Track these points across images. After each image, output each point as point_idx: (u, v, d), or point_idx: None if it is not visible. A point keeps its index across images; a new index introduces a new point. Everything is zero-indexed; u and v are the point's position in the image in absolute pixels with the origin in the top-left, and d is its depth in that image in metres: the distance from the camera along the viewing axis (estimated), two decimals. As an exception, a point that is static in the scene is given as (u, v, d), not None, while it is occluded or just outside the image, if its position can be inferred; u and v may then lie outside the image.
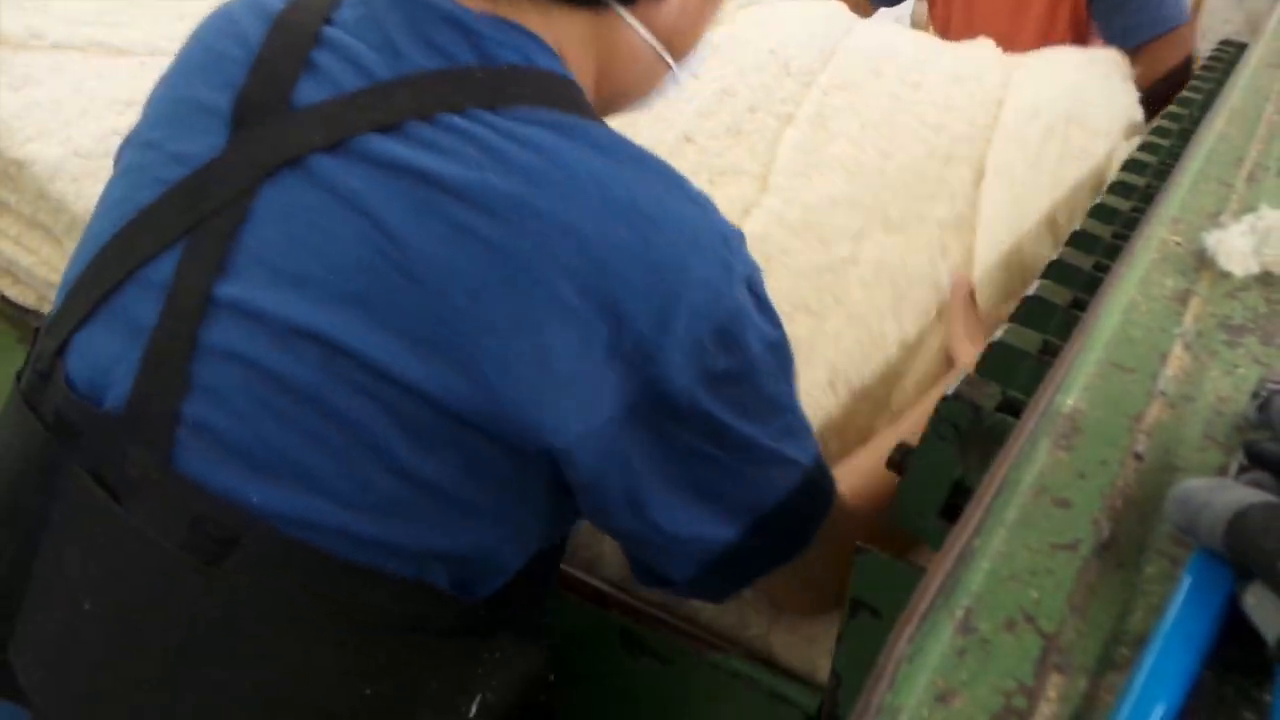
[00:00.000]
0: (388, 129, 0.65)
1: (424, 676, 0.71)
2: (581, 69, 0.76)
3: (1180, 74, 2.03)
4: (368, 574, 0.66)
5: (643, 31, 0.79)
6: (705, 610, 0.95)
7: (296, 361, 0.63)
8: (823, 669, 0.89)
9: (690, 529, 0.70)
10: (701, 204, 0.70)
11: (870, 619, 0.74)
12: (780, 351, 0.72)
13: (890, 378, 1.08)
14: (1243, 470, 0.49)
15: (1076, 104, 1.45)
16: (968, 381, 0.70)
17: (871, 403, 1.05)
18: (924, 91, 1.54)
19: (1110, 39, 2.14)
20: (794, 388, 0.74)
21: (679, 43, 0.83)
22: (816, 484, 0.76)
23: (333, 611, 0.66)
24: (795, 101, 1.47)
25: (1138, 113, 1.50)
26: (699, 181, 1.18)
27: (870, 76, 1.56)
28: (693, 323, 0.64)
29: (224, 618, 0.64)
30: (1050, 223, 1.28)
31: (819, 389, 0.98)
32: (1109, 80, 1.53)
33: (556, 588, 0.90)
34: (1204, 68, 1.62)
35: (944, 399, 0.68)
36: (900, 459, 0.73)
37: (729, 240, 0.69)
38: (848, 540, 0.73)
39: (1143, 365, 0.61)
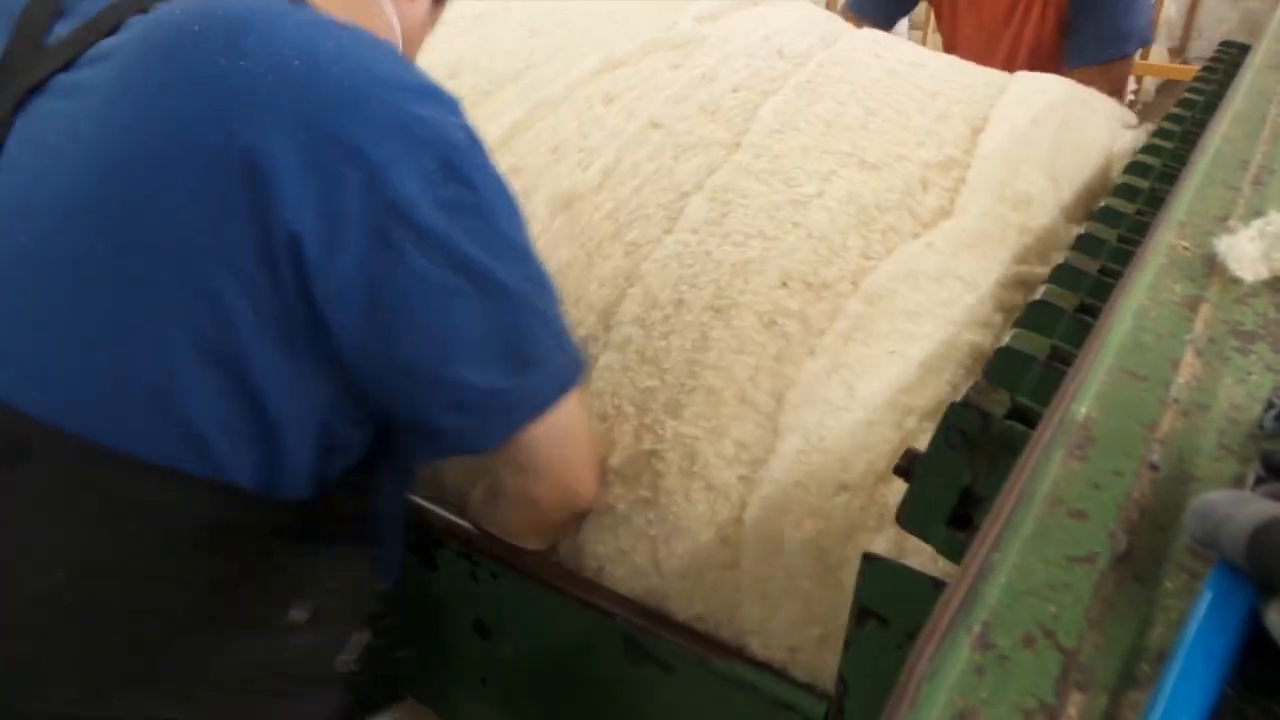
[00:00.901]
0: (114, 30, 0.73)
1: (241, 580, 0.74)
2: None
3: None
4: (165, 472, 0.68)
5: (394, 21, 0.91)
6: (708, 618, 0.95)
7: (51, 265, 0.69)
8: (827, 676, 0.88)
9: (444, 368, 0.75)
10: (414, 69, 0.79)
11: (878, 626, 0.74)
12: (513, 204, 0.80)
13: (855, 277, 1.07)
14: (1260, 481, 0.48)
15: (1078, 92, 1.48)
16: (976, 388, 0.70)
17: (833, 296, 1.05)
18: (924, 70, 1.54)
19: (1077, 52, 2.16)
20: (535, 256, 0.82)
21: (413, 39, 0.96)
22: (567, 346, 0.83)
23: (135, 512, 0.68)
24: (784, 78, 1.46)
25: (1130, 115, 1.51)
26: (660, 160, 1.25)
27: (869, 57, 1.56)
28: (419, 151, 0.71)
29: (24, 520, 0.67)
30: (1050, 167, 1.28)
31: (770, 289, 1.01)
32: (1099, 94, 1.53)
33: (400, 516, 0.96)
34: (1205, 69, 1.61)
35: (952, 405, 0.67)
36: (907, 465, 0.73)
37: (440, 92, 0.78)
38: (583, 466, 0.87)
39: (1155, 372, 0.61)
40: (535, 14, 1.82)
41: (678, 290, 1.05)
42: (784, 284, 1.06)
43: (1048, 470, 0.52)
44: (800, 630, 0.85)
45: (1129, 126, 1.43)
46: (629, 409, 0.96)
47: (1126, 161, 1.25)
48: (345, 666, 0.81)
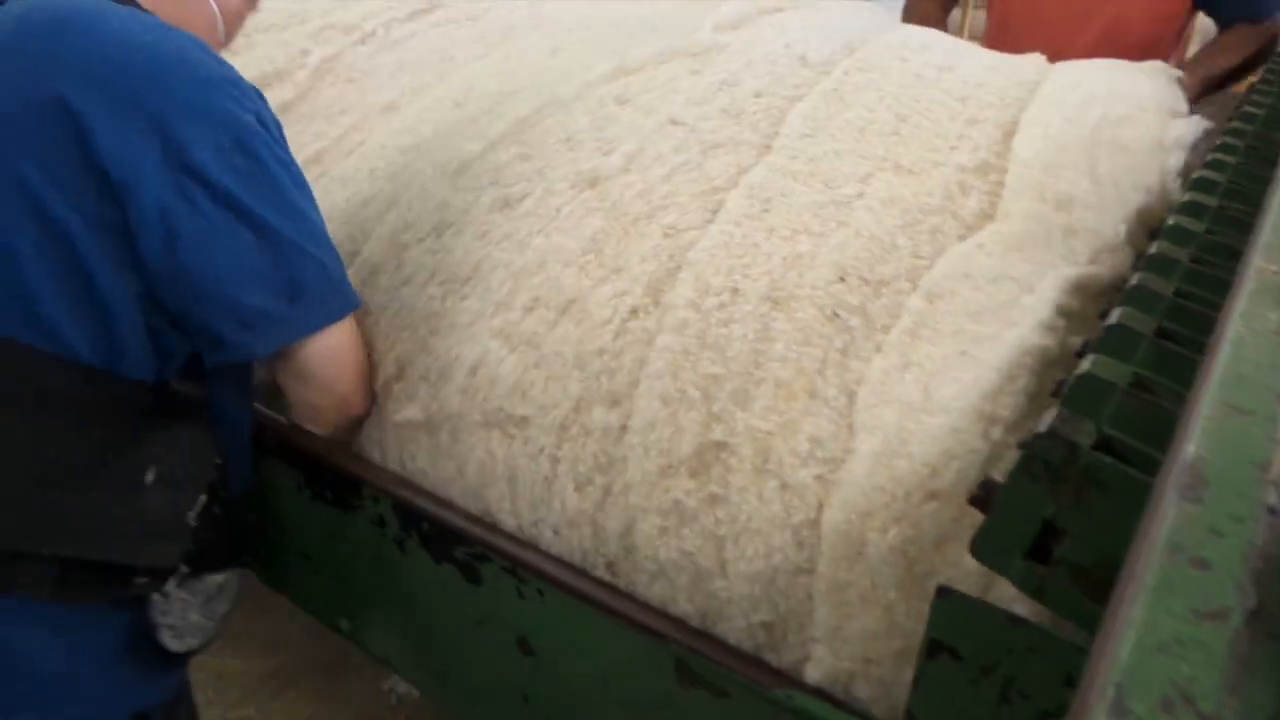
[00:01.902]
0: None
1: (100, 448, 0.95)
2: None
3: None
4: (11, 345, 0.91)
5: (216, 12, 1.12)
6: (776, 625, 0.92)
7: None
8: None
9: (227, 290, 0.97)
10: (213, 55, 1.00)
11: (950, 661, 0.71)
12: (296, 178, 1.03)
13: (910, 275, 1.07)
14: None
15: (1118, 82, 1.47)
16: (1061, 418, 0.68)
17: (892, 293, 1.05)
18: (954, 74, 1.55)
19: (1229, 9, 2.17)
20: (315, 219, 1.03)
21: (233, 23, 1.17)
22: (338, 287, 1.05)
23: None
24: (810, 85, 1.48)
25: (1181, 103, 1.49)
26: (687, 155, 1.26)
27: (895, 62, 1.57)
28: (214, 130, 0.95)
29: None
30: (1091, 171, 1.27)
31: (828, 283, 1.03)
32: (1151, 74, 1.54)
33: (243, 418, 1.15)
34: (1263, 81, 1.59)
35: (1036, 435, 0.66)
36: (985, 494, 0.72)
37: (240, 83, 1.00)
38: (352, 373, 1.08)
39: (1260, 407, 0.58)
40: (559, 32, 1.86)
41: (730, 279, 1.04)
42: (841, 279, 1.04)
43: (1163, 514, 0.51)
44: (879, 641, 0.82)
45: (1179, 115, 1.41)
46: (694, 393, 0.93)
47: (1180, 157, 1.23)
48: (193, 521, 1.01)
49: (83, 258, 0.94)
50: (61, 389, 0.95)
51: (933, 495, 0.83)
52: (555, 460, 0.98)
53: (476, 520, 1.07)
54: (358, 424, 1.18)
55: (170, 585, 1.02)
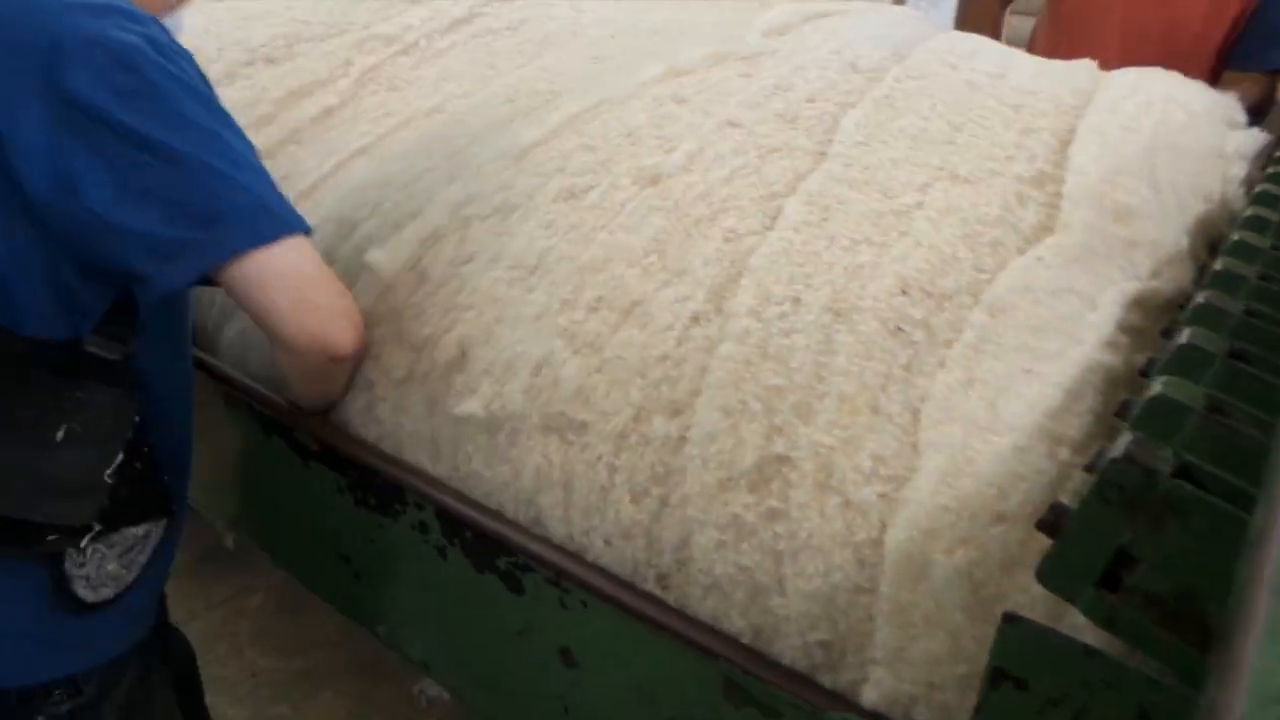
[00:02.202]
0: None
1: (13, 404, 0.94)
2: None
3: None
4: None
5: None
6: (834, 644, 0.90)
7: None
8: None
9: (134, 223, 0.92)
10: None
11: (1015, 691, 0.70)
12: (191, 90, 0.95)
13: (972, 289, 1.06)
14: None
15: (1175, 90, 1.45)
16: (1137, 443, 0.66)
17: (955, 307, 1.03)
18: (1006, 81, 1.54)
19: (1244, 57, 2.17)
20: (223, 133, 0.97)
21: None
22: (264, 207, 0.97)
23: None
24: (861, 92, 1.48)
25: (1238, 114, 1.48)
26: (746, 158, 1.26)
27: (945, 69, 1.56)
28: (88, 50, 0.89)
29: None
30: (1150, 179, 1.25)
31: (890, 295, 1.02)
32: (1204, 88, 1.51)
33: (181, 372, 1.14)
34: None
35: (1112, 461, 0.64)
36: (1054, 520, 0.70)
37: (130, 11, 0.94)
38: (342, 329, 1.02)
39: None
40: (600, 39, 1.87)
41: (792, 288, 1.03)
42: (903, 291, 1.03)
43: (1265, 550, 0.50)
44: (943, 665, 0.80)
45: (1236, 126, 1.39)
46: (755, 405, 0.92)
47: (1242, 167, 1.21)
48: (109, 480, 0.99)
49: None
50: None
51: (1000, 517, 0.81)
52: (613, 469, 0.97)
53: (520, 529, 1.06)
54: (346, 378, 1.16)
55: (87, 543, 1.00)
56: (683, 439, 0.94)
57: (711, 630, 0.94)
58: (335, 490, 1.28)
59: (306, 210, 1.38)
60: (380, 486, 1.21)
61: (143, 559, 1.09)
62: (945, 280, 1.06)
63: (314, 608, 2.38)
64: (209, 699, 1.55)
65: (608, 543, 0.98)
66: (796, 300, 1.01)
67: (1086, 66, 1.65)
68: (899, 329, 0.98)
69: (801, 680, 0.90)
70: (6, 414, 0.95)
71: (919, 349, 0.97)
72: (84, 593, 1.03)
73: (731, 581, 0.90)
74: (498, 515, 1.08)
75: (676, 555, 0.94)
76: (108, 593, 1.05)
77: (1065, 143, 1.36)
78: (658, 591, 0.96)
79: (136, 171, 0.91)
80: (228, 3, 2.02)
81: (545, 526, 1.03)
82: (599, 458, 0.98)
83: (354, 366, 1.15)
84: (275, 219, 0.99)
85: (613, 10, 2.10)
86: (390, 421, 1.14)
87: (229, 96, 1.61)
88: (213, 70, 1.67)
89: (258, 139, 1.52)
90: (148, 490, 1.06)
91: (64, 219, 0.91)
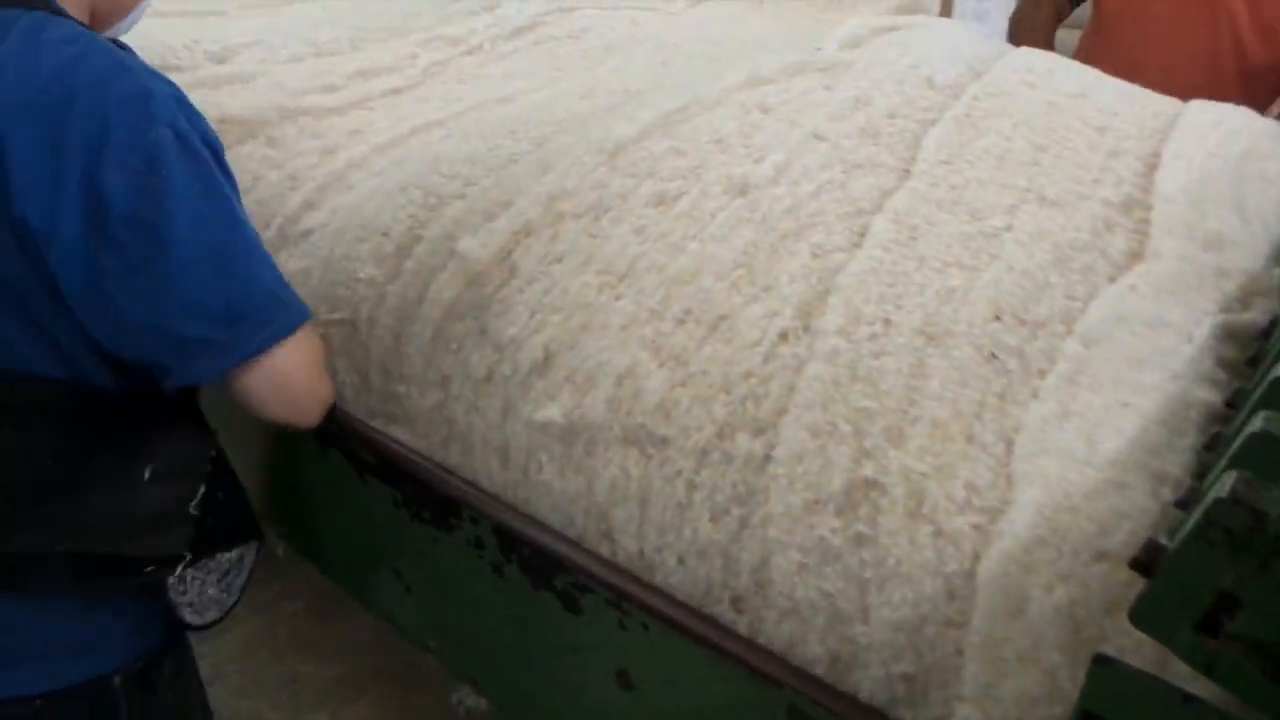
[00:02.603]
0: None
1: (88, 452, 1.01)
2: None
3: None
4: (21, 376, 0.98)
5: None
6: (919, 677, 0.86)
7: None
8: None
9: (157, 320, 0.96)
10: (134, 71, 0.97)
11: None
12: (218, 186, 0.99)
13: (1064, 317, 1.04)
14: None
15: (1258, 119, 1.44)
16: (1243, 482, 0.63)
17: (1048, 335, 1.01)
18: (1087, 102, 1.52)
19: None
20: (246, 228, 1.02)
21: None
22: (280, 300, 1.03)
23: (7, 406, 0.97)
24: (940, 109, 1.47)
25: None
26: (832, 172, 1.27)
27: (1024, 88, 1.55)
28: (124, 151, 0.91)
29: None
30: (1238, 207, 1.23)
31: (984, 321, 1.00)
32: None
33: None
34: None
35: (1218, 500, 0.61)
36: (1148, 559, 0.67)
37: (153, 96, 0.95)
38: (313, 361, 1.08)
39: None
40: (665, 46, 1.89)
41: (882, 309, 1.01)
42: (996, 317, 1.01)
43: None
44: (1037, 706, 0.76)
45: None
46: (845, 427, 0.90)
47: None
48: (194, 511, 1.05)
49: (19, 296, 0.97)
50: (42, 402, 1.00)
51: (1102, 555, 0.78)
52: (692, 486, 0.95)
53: (580, 548, 1.05)
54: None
55: (182, 571, 1.06)
56: (767, 458, 0.92)
57: (779, 659, 0.92)
58: (390, 504, 1.27)
59: (384, 166, 1.44)
60: (436, 501, 1.20)
61: (240, 580, 1.16)
62: (1038, 307, 1.04)
63: (353, 614, 2.38)
64: (250, 703, 1.54)
65: (681, 561, 0.96)
66: (887, 321, 0.99)
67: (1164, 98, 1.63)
68: (993, 356, 0.96)
69: (876, 714, 0.87)
70: (96, 460, 1.01)
71: (1013, 377, 0.95)
72: (191, 618, 1.10)
73: (812, 606, 0.88)
74: (557, 534, 1.07)
75: (754, 577, 0.91)
76: (213, 615, 1.13)
77: (1151, 167, 1.34)
78: (730, 614, 0.94)
79: (159, 270, 0.95)
80: (297, 7, 2.07)
81: (615, 541, 1.01)
82: (678, 473, 0.96)
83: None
84: (290, 315, 1.04)
85: (670, 23, 2.12)
86: (463, 422, 1.13)
87: (296, 73, 1.66)
88: (278, 56, 1.72)
89: (326, 100, 1.59)
90: (234, 517, 1.13)
91: (93, 314, 0.96)
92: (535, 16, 1.99)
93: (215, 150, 1.02)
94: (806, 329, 1.01)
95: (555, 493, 1.05)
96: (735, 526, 0.92)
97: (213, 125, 1.18)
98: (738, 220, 1.15)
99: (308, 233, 1.38)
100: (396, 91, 1.69)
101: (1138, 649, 0.76)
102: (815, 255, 1.11)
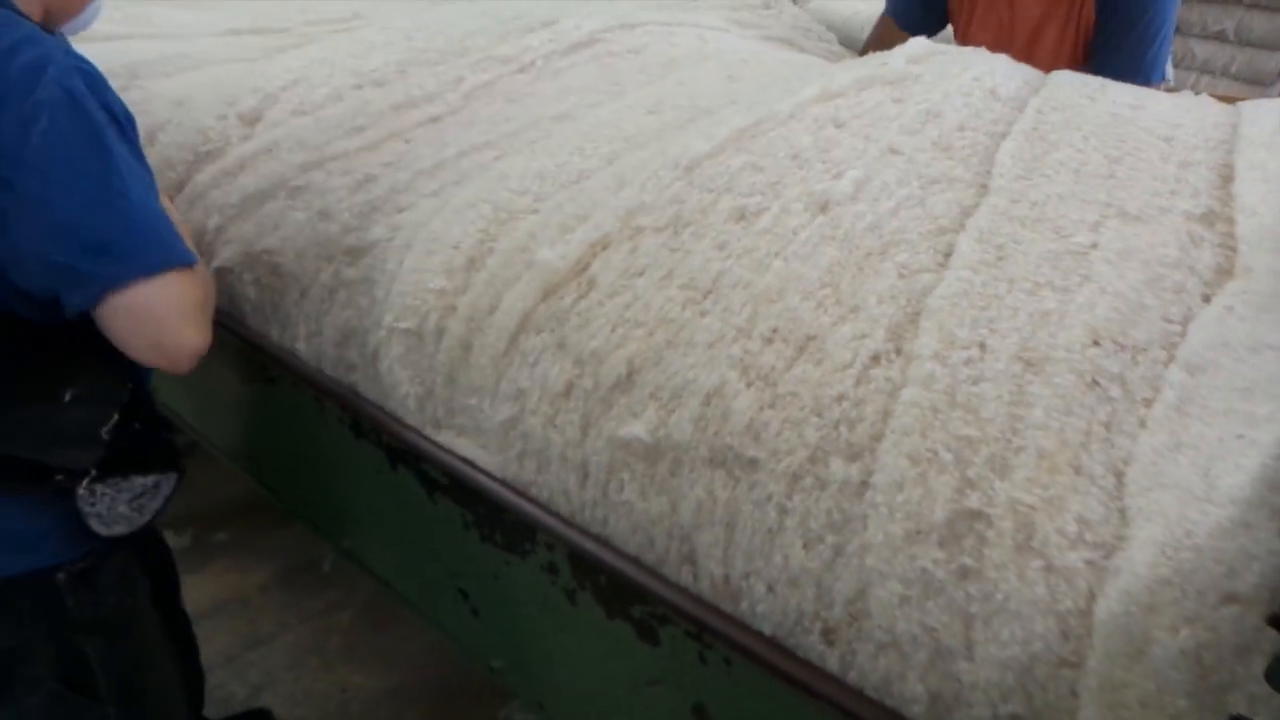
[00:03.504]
0: None
1: (15, 373, 1.16)
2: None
3: None
4: None
5: None
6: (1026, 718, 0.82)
7: None
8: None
9: (40, 250, 1.08)
10: (45, 46, 1.11)
11: None
12: (101, 140, 1.10)
13: (1164, 341, 1.00)
14: None
15: None
16: None
17: (1150, 361, 0.97)
18: (1147, 112, 1.50)
19: None
20: (130, 178, 1.12)
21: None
22: (156, 241, 1.12)
23: None
24: (1007, 121, 1.45)
25: None
26: (909, 188, 1.23)
27: (1084, 101, 1.53)
28: (20, 107, 1.06)
29: None
30: None
31: (1082, 346, 0.96)
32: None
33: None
34: None
35: None
36: None
37: (52, 64, 1.09)
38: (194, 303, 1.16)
39: None
40: (733, 63, 1.86)
41: (976, 332, 0.97)
42: (1095, 342, 0.97)
43: None
44: None
45: None
46: (946, 456, 0.86)
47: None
48: (105, 435, 1.20)
49: None
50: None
51: (1231, 597, 0.74)
52: (784, 511, 0.91)
53: (659, 578, 1.01)
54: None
55: (90, 483, 1.22)
56: (864, 485, 0.88)
57: (874, 702, 0.88)
58: (460, 525, 1.25)
59: (441, 184, 1.42)
60: (510, 524, 1.17)
61: (154, 505, 1.30)
62: (1136, 331, 1.00)
63: (402, 625, 2.36)
64: (301, 711, 1.53)
65: (770, 589, 0.92)
66: (982, 346, 0.95)
67: (1209, 100, 1.62)
68: (1095, 383, 0.92)
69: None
70: (27, 379, 1.18)
71: (1117, 406, 0.90)
72: (97, 527, 1.24)
73: (913, 641, 0.84)
74: (635, 561, 1.04)
75: (850, 608, 0.88)
76: (120, 530, 1.27)
77: (1225, 179, 1.32)
78: (821, 645, 0.90)
79: (46, 207, 1.07)
80: (355, 33, 2.06)
81: (699, 565, 0.98)
82: (769, 498, 0.92)
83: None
84: (160, 256, 1.12)
85: (738, 39, 2.10)
86: (539, 437, 1.10)
87: (330, 115, 1.66)
88: (317, 94, 1.71)
89: (353, 142, 1.58)
90: (150, 447, 1.28)
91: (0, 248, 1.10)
92: (595, 32, 1.96)
93: (116, 115, 1.14)
94: (899, 352, 0.97)
95: (636, 513, 1.02)
96: (830, 554, 0.89)
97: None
98: (820, 238, 1.12)
99: (369, 246, 1.38)
100: (435, 120, 1.66)
101: (1269, 697, 0.71)
102: (902, 275, 1.07)
